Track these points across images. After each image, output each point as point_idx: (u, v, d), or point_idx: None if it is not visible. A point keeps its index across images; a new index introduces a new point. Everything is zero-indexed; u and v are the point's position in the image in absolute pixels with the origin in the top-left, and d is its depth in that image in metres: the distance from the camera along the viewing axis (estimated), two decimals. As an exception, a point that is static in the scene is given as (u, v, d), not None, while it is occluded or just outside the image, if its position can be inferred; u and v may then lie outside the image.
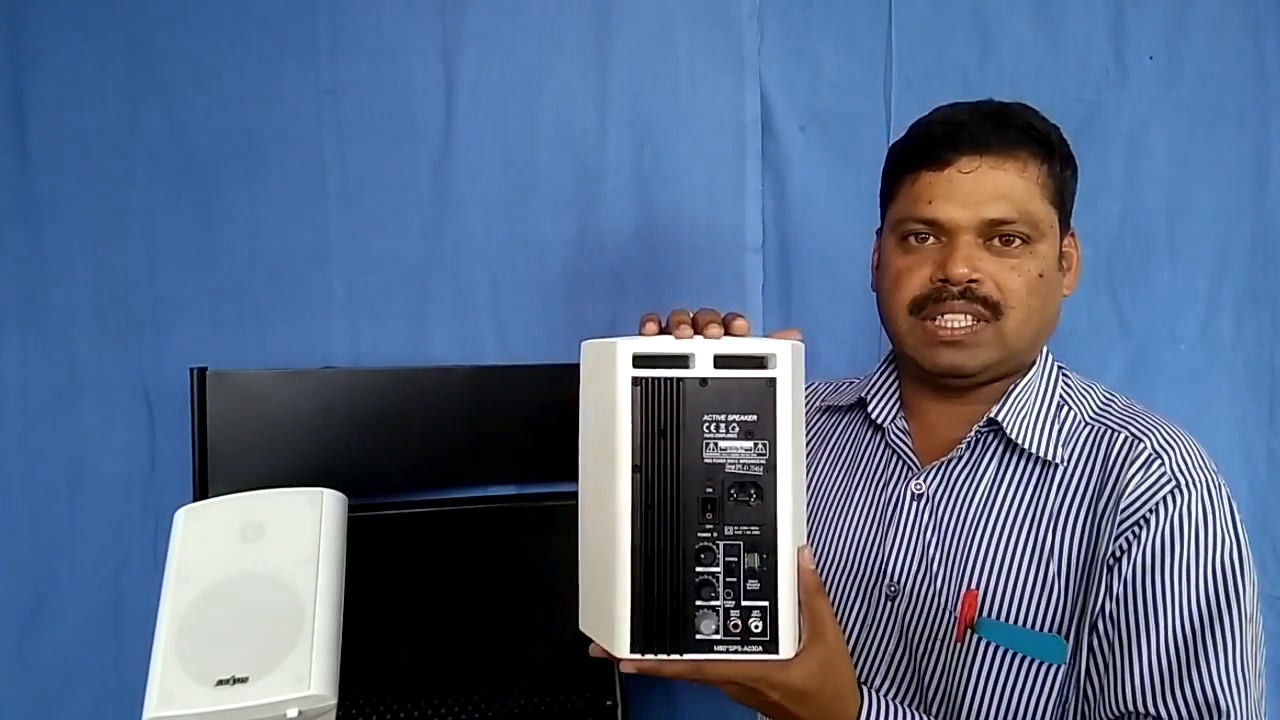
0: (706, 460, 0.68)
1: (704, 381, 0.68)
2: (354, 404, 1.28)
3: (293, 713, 0.86)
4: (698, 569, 0.67)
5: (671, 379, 0.68)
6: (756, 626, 0.67)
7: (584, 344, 0.76)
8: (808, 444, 1.03)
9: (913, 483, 0.90)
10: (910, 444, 0.92)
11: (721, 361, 0.69)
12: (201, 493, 1.21)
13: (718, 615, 0.67)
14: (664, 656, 0.67)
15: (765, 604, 0.67)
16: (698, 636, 0.67)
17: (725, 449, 0.68)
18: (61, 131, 1.27)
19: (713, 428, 0.68)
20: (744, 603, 0.67)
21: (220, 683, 0.85)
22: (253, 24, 1.31)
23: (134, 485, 1.30)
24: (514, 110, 1.38)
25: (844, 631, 0.90)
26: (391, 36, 1.35)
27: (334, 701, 0.89)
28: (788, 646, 0.67)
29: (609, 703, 1.29)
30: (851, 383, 1.03)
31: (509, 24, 1.37)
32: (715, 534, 0.68)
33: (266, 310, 1.33)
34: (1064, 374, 0.92)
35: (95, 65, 1.27)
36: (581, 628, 0.75)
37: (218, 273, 1.31)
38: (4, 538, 1.27)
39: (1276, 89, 1.39)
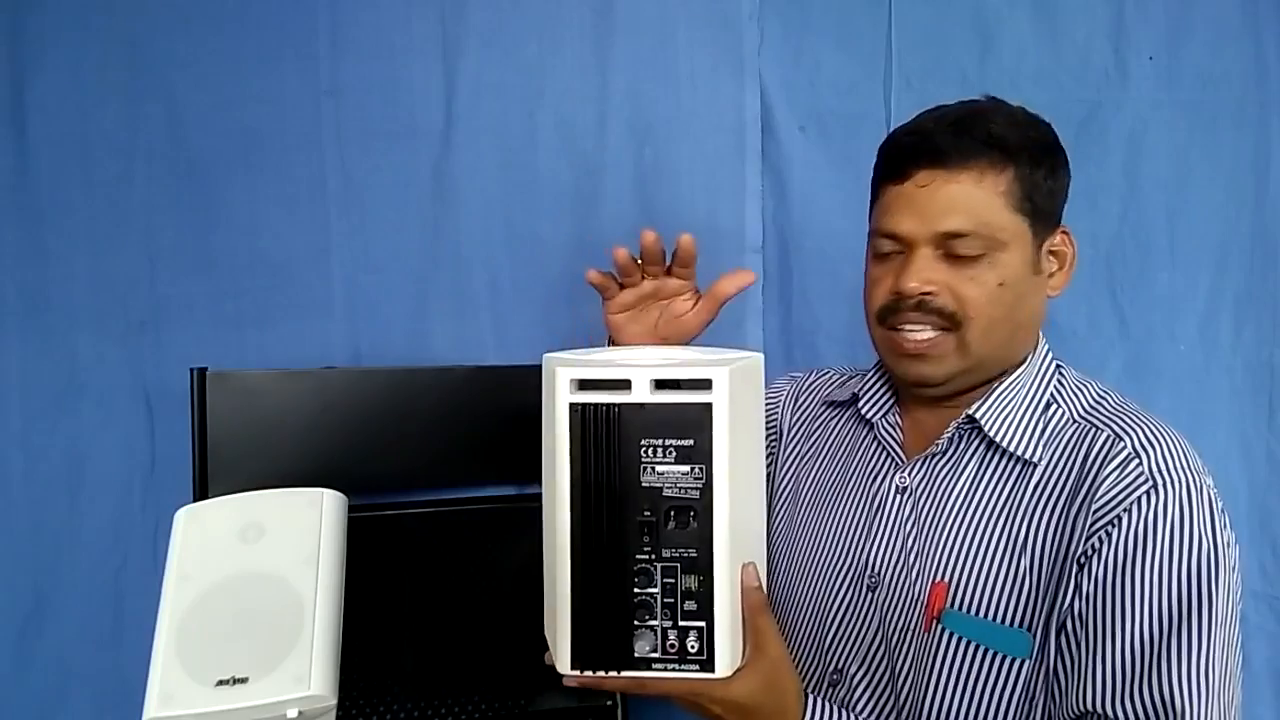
0: (644, 484, 0.68)
1: (641, 406, 0.68)
2: (354, 404, 1.28)
3: (293, 713, 0.86)
4: (635, 590, 0.68)
5: (609, 404, 0.68)
6: (693, 646, 0.68)
7: (545, 356, 0.75)
8: (811, 437, 1.03)
9: (898, 476, 0.91)
10: (899, 439, 0.94)
11: (661, 385, 0.68)
12: (201, 493, 1.21)
13: (655, 635, 0.68)
14: (602, 674, 0.69)
15: (702, 624, 0.68)
16: (635, 655, 0.68)
17: (663, 473, 0.68)
18: (61, 131, 1.27)
19: (650, 452, 0.68)
20: (681, 623, 0.68)
21: (220, 683, 0.85)
22: (253, 24, 1.31)
23: (134, 485, 1.30)
24: (514, 110, 1.38)
25: (828, 620, 0.91)
26: (391, 36, 1.35)
27: (334, 702, 0.89)
28: (723, 665, 0.69)
29: (609, 703, 1.29)
30: (861, 374, 1.04)
31: (509, 24, 1.37)
32: (653, 556, 0.68)
33: (266, 310, 1.33)
34: (1060, 372, 0.91)
35: (95, 65, 1.28)
36: (546, 635, 0.77)
37: (218, 273, 1.31)
38: (4, 538, 1.27)
39: (1276, 89, 1.39)
